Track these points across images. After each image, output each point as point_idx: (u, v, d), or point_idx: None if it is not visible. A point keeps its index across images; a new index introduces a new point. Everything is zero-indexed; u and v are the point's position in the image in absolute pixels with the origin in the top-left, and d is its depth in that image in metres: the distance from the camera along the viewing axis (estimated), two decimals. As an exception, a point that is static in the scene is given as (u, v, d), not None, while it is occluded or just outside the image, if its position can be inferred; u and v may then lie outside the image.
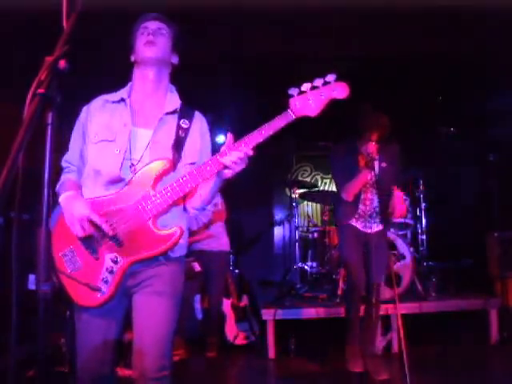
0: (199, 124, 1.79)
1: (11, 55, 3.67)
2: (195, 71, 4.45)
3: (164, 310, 1.63)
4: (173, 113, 1.74)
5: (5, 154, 0.96)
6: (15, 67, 3.56)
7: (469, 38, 4.03)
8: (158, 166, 1.61)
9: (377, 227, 3.23)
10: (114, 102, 1.73)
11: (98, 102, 1.76)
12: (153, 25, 1.73)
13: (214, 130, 5.27)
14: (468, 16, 3.66)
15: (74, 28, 1.14)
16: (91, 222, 1.57)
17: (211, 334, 3.98)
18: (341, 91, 1.57)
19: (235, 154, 1.53)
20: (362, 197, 3.21)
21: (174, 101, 1.77)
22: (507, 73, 4.49)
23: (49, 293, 1.06)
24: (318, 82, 1.56)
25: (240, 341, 4.20)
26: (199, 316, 4.31)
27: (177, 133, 1.70)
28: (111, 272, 1.59)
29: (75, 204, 1.60)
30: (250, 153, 1.54)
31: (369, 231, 3.23)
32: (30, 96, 1.03)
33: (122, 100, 1.73)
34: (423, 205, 4.57)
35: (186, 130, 1.72)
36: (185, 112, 1.76)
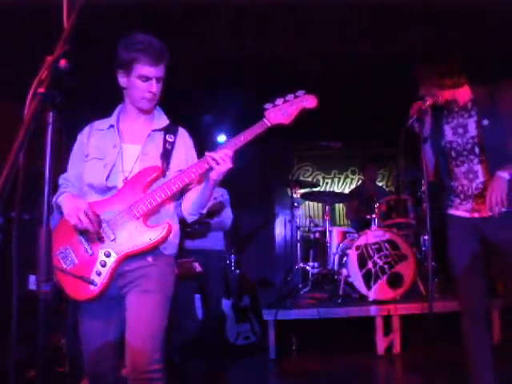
0: (183, 137, 1.95)
1: (11, 54, 3.67)
2: (195, 71, 4.46)
3: (153, 307, 1.71)
4: (159, 130, 1.89)
5: (5, 153, 0.96)
6: (15, 66, 3.56)
7: (468, 38, 4.02)
8: (148, 172, 1.77)
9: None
10: (102, 130, 1.88)
11: (89, 130, 1.91)
12: (155, 73, 1.76)
13: (214, 130, 5.26)
14: (468, 15, 3.65)
15: (75, 27, 1.13)
16: (88, 217, 1.68)
17: (211, 334, 3.96)
18: (310, 102, 1.80)
19: (215, 154, 1.72)
20: (463, 169, 2.32)
21: (161, 120, 1.92)
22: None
23: (49, 293, 1.06)
24: (290, 97, 1.81)
25: (241, 341, 4.18)
26: (200, 316, 4.30)
27: (164, 146, 1.86)
28: (104, 265, 1.71)
29: (76, 200, 1.75)
30: (230, 153, 1.72)
31: (477, 215, 2.28)
32: (30, 95, 1.03)
33: (111, 126, 1.87)
34: (425, 205, 4.54)
35: (172, 143, 1.88)
36: (170, 129, 1.92)
